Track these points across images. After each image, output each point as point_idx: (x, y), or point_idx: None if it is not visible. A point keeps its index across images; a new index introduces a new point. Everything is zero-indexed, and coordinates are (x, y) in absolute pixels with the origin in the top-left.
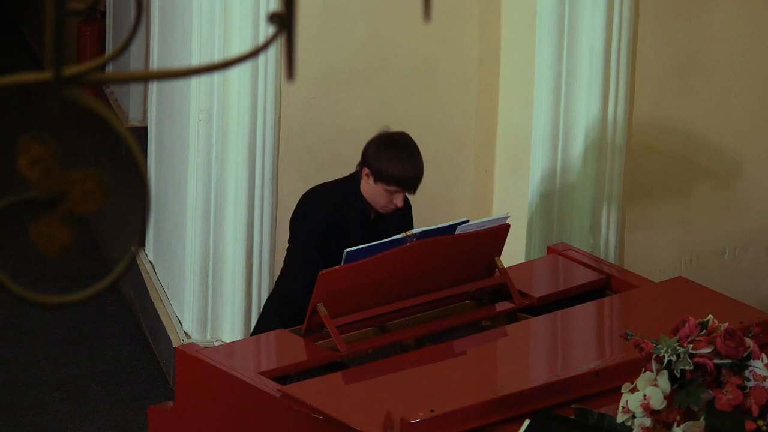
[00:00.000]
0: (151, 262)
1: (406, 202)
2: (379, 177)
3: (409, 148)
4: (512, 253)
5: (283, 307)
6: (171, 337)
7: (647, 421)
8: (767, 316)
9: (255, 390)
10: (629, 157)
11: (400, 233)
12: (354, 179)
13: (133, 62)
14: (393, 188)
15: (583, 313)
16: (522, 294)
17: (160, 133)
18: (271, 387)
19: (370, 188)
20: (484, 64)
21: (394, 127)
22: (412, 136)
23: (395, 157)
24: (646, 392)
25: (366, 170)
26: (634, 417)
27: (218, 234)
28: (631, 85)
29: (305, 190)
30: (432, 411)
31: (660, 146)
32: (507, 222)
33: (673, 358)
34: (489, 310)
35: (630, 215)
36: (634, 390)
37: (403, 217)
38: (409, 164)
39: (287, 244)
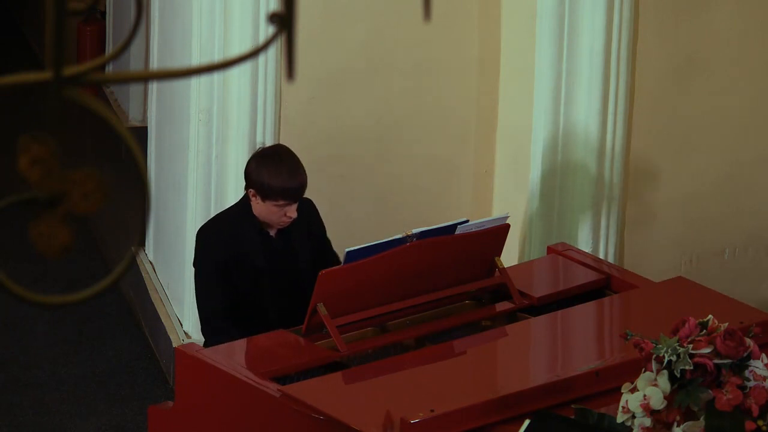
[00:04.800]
0: (151, 262)
1: (311, 205)
2: (265, 195)
3: (286, 159)
4: (512, 253)
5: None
6: (171, 337)
7: (647, 421)
8: (767, 316)
9: (255, 390)
10: (629, 157)
11: (309, 242)
12: (245, 203)
13: (133, 62)
14: (281, 202)
15: (583, 313)
16: (522, 294)
17: (160, 133)
18: (271, 387)
19: (260, 207)
20: (484, 64)
21: (396, 126)
22: (412, 136)
23: (275, 171)
24: (646, 392)
25: (251, 191)
26: (634, 417)
27: None
28: (631, 85)
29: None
30: (432, 411)
31: (660, 146)
32: (507, 222)
33: (673, 358)
34: (489, 310)
35: (630, 215)
36: (634, 390)
37: (311, 224)
38: (288, 175)
39: None
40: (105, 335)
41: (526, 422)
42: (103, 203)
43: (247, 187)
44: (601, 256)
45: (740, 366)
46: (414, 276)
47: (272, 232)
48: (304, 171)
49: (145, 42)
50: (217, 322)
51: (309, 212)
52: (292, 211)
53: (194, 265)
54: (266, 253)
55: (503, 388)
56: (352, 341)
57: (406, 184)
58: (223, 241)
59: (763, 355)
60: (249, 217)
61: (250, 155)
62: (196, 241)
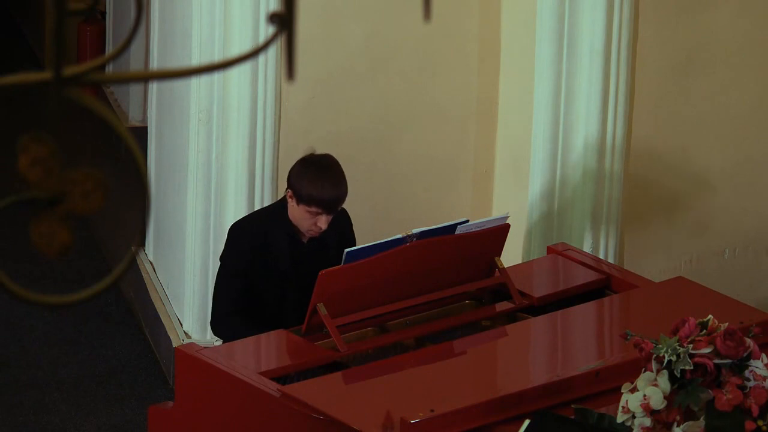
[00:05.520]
0: (151, 262)
1: (346, 217)
2: (300, 198)
3: (331, 170)
4: (512, 253)
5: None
6: (171, 337)
7: (647, 421)
8: (767, 316)
9: (255, 390)
10: (629, 156)
11: (339, 251)
12: (282, 204)
13: (133, 62)
14: (314, 209)
15: (583, 313)
16: (522, 294)
17: (160, 133)
18: (271, 387)
19: (294, 210)
20: (485, 64)
21: (396, 126)
22: (412, 136)
23: (316, 178)
24: (646, 392)
25: (289, 192)
26: (634, 417)
27: (218, 234)
28: (631, 85)
29: None
30: (432, 411)
31: (660, 145)
32: (507, 222)
33: (673, 358)
34: (489, 310)
35: (630, 215)
36: (634, 390)
37: (343, 235)
38: (329, 185)
39: None
40: (105, 335)
41: (526, 422)
42: (103, 203)
43: (286, 188)
44: (601, 256)
45: (740, 366)
46: (414, 276)
47: (304, 238)
48: (346, 186)
49: (145, 42)
50: (230, 318)
51: (343, 222)
52: (323, 222)
53: (220, 258)
54: (294, 258)
55: (503, 388)
56: (352, 341)
57: (406, 184)
58: (252, 239)
59: (763, 355)
60: (283, 220)
61: (297, 160)
62: (227, 236)
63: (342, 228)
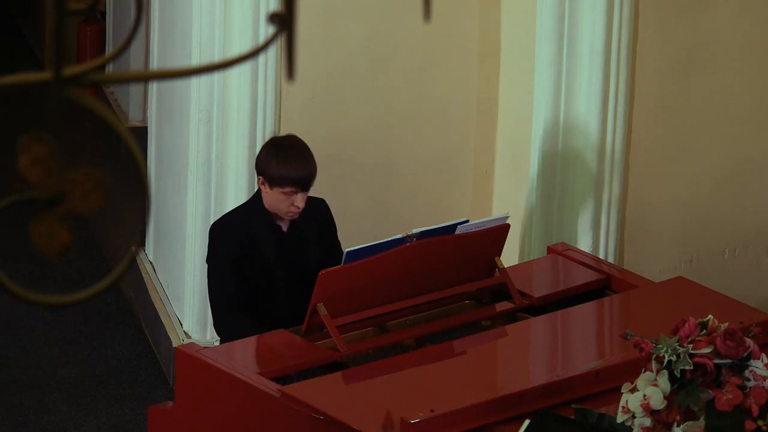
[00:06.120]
0: (151, 262)
1: (324, 205)
2: (273, 181)
3: (296, 148)
4: (512, 253)
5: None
6: (171, 337)
7: (647, 421)
8: (767, 316)
9: (255, 390)
10: (629, 156)
11: (319, 239)
12: (256, 197)
13: (133, 62)
14: (288, 189)
15: (583, 313)
16: (522, 294)
17: (160, 133)
18: (271, 387)
19: (269, 196)
20: (485, 64)
21: (396, 126)
22: (412, 136)
23: (284, 158)
24: (646, 392)
25: (260, 179)
26: (634, 417)
27: None
28: (631, 85)
29: None
30: (432, 411)
31: (660, 146)
32: (507, 222)
33: (673, 358)
34: (489, 310)
35: (630, 215)
36: (634, 390)
37: (322, 222)
38: (298, 162)
39: None
40: (105, 335)
41: (526, 422)
42: (103, 203)
43: (257, 176)
44: (601, 256)
45: (740, 366)
46: (414, 276)
47: (284, 227)
48: (315, 162)
49: (145, 42)
50: (232, 315)
51: (321, 211)
52: (299, 200)
53: (207, 260)
54: (277, 247)
55: (503, 388)
56: (352, 341)
57: (406, 184)
58: (235, 235)
59: (763, 355)
60: (260, 212)
61: (262, 146)
62: (209, 237)
63: (321, 215)
